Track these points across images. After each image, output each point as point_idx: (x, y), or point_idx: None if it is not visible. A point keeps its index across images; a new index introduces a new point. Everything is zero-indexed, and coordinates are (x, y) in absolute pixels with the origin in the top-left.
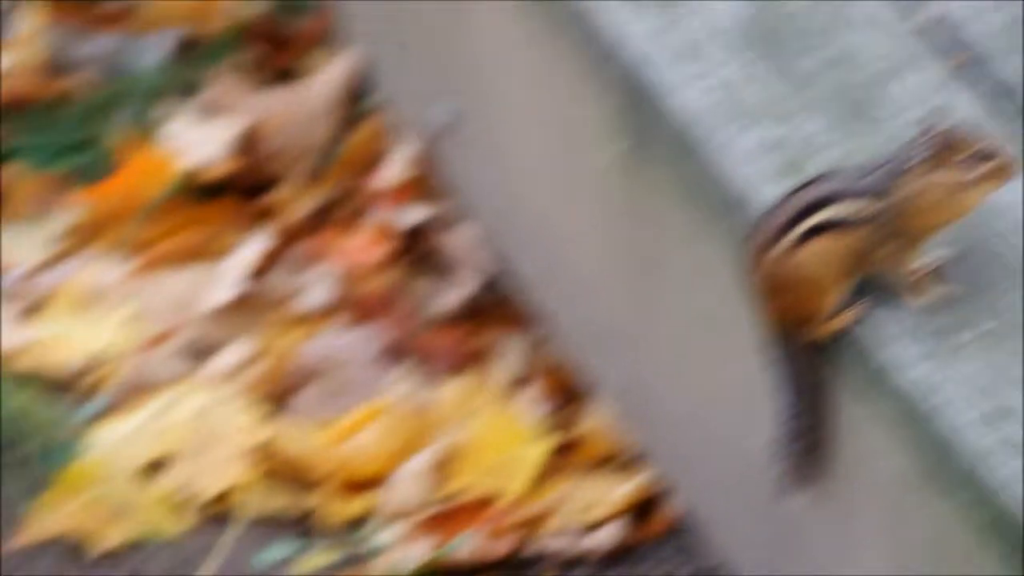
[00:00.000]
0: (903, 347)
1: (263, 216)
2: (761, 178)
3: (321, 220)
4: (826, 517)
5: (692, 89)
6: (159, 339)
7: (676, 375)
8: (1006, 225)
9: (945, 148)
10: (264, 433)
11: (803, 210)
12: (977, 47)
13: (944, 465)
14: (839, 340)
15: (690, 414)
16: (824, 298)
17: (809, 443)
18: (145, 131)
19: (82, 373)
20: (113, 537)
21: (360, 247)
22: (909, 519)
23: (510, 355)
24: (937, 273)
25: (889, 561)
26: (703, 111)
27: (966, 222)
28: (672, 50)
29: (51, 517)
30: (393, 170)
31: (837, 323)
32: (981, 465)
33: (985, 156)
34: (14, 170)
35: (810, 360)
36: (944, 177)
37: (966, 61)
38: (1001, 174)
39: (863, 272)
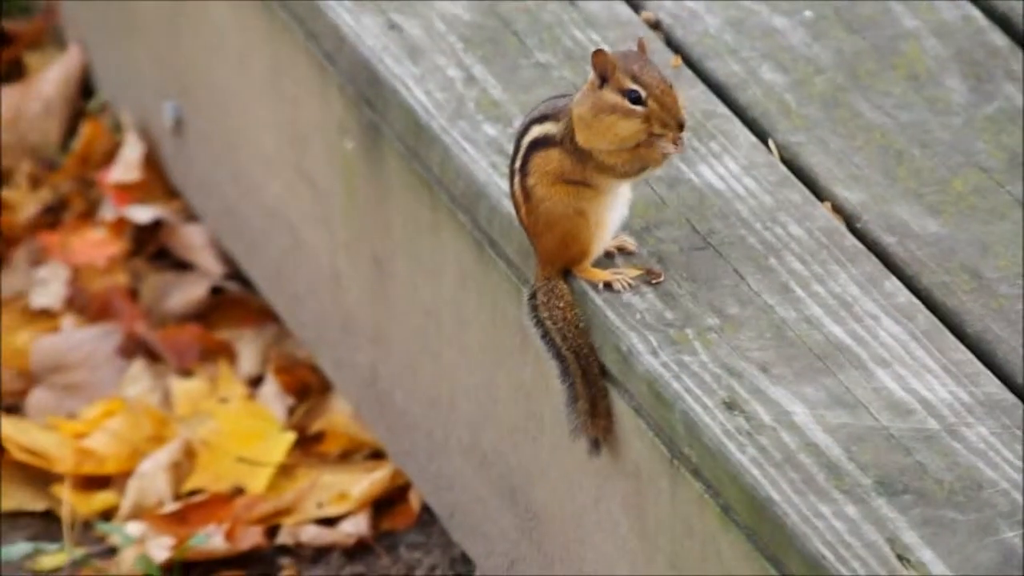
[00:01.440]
0: (641, 336)
1: None
2: (492, 175)
3: (53, 218)
4: (569, 504)
5: (420, 87)
6: None
7: (411, 371)
8: (747, 212)
9: (604, 71)
10: None
11: (522, 133)
12: (690, 50)
13: (682, 451)
14: (596, 313)
15: (425, 409)
16: (574, 222)
17: (588, 402)
18: None
19: None
20: None
21: (93, 245)
22: (653, 504)
23: (248, 351)
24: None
25: (634, 546)
26: (433, 108)
27: (704, 210)
28: (400, 49)
29: None
30: (123, 169)
31: (597, 274)
32: (717, 452)
33: (636, 98)
34: None
35: (573, 324)
36: (594, 96)
37: (681, 63)
38: (651, 122)
39: (589, 193)
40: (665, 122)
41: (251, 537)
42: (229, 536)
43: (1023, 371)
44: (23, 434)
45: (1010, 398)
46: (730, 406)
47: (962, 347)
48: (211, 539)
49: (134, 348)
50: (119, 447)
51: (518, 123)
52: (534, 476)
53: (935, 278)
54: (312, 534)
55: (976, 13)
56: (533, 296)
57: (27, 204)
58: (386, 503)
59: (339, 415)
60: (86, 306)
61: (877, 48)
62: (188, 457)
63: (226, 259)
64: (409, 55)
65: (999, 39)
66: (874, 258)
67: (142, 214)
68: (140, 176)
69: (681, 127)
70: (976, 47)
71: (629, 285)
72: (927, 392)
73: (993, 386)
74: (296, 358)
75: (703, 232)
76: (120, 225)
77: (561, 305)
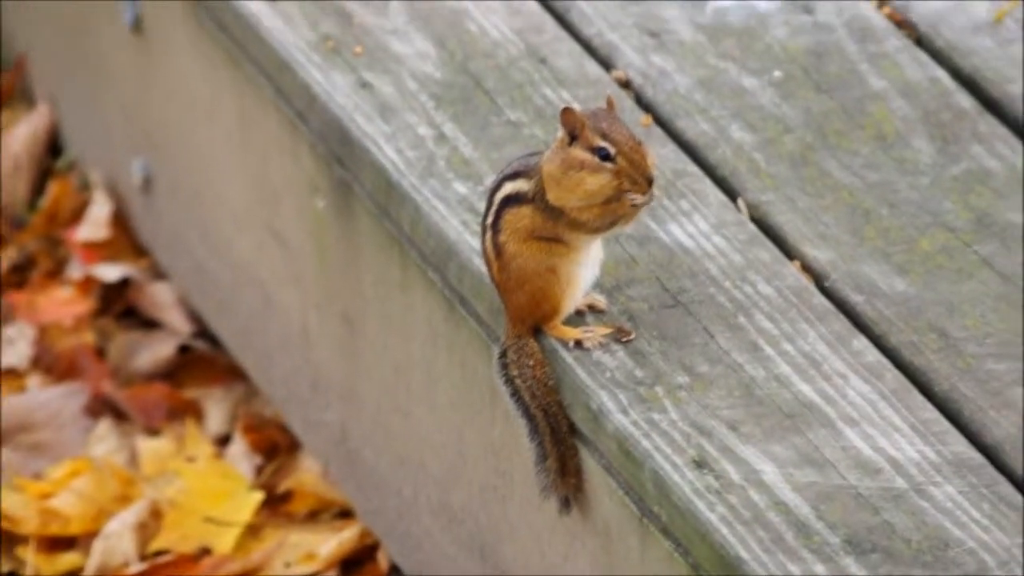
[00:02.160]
0: (611, 395)
1: None
2: (463, 233)
3: (20, 276)
4: (539, 562)
5: (391, 146)
6: None
7: (381, 429)
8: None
9: (573, 129)
10: None
11: (494, 189)
12: (660, 109)
13: (651, 510)
14: (566, 373)
15: (395, 468)
16: (546, 279)
17: (558, 460)
18: None
19: None
20: None
21: (60, 303)
22: (623, 563)
23: (216, 410)
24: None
25: None
26: (404, 167)
27: (674, 269)
28: (371, 107)
29: None
30: (91, 227)
31: (568, 332)
32: (687, 511)
33: (606, 155)
34: None
35: (543, 382)
36: (563, 153)
37: (651, 122)
38: (621, 178)
39: (561, 250)
40: (634, 179)
41: None
42: None
43: (991, 430)
44: None
45: (977, 457)
46: (700, 464)
47: (930, 406)
48: None
49: (101, 407)
50: (85, 507)
51: (491, 180)
52: (503, 534)
53: (903, 337)
54: None
55: (942, 74)
56: (503, 354)
57: None
58: (354, 563)
59: (307, 474)
60: (53, 365)
61: (845, 108)
62: (154, 517)
63: (194, 317)
64: (380, 113)
65: (965, 100)
66: (843, 317)
67: (110, 272)
68: (108, 234)
69: (650, 183)
70: (943, 108)
71: (599, 343)
72: (895, 451)
73: (961, 445)
74: (264, 417)
75: (673, 290)
76: (88, 283)
77: (531, 363)
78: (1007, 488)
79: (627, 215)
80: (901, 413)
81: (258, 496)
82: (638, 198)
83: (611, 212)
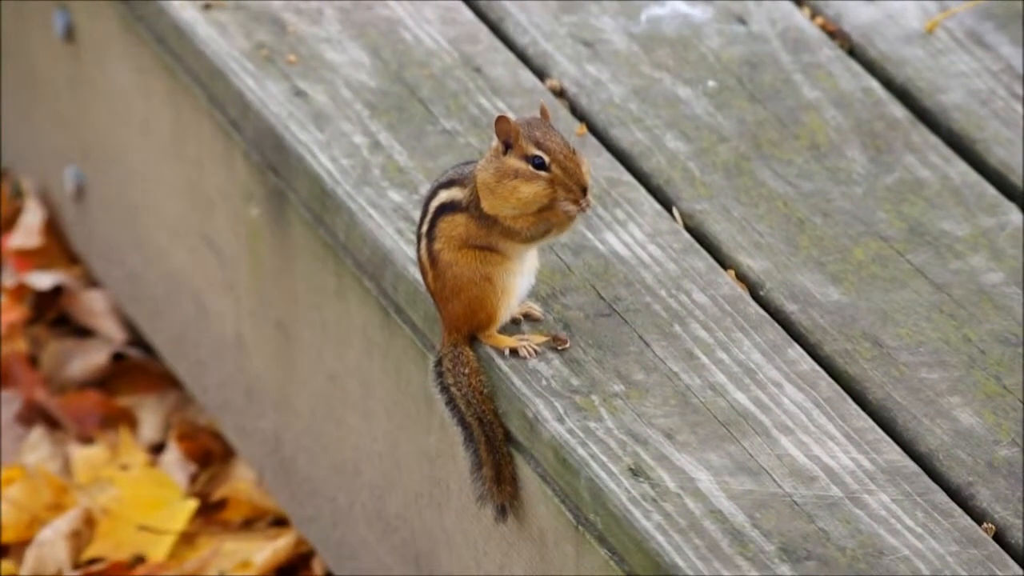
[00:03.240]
0: (547, 403)
1: None
2: (399, 241)
3: None
4: (474, 571)
5: (326, 154)
6: None
7: (315, 437)
8: (652, 278)
9: (507, 138)
10: None
11: (430, 197)
12: (595, 118)
13: (587, 518)
14: (502, 383)
15: (329, 476)
16: (481, 288)
17: (493, 469)
18: None
19: None
20: None
21: None
22: (559, 571)
23: (150, 418)
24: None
25: None
26: (338, 175)
27: (609, 277)
28: (305, 115)
29: None
30: (24, 234)
31: (503, 340)
32: (623, 519)
33: (540, 164)
34: None
35: (478, 390)
36: (497, 162)
37: (586, 131)
38: (555, 187)
39: (496, 259)
40: (568, 187)
41: None
42: None
43: (925, 438)
44: None
45: (911, 465)
46: (635, 473)
47: (864, 414)
48: None
49: (34, 415)
50: (18, 515)
51: (426, 188)
52: (439, 543)
53: (837, 346)
54: None
55: (875, 85)
56: (439, 362)
57: None
58: (289, 571)
59: (242, 482)
60: None
61: (779, 118)
62: (88, 525)
63: (128, 325)
64: (314, 121)
65: (898, 111)
66: (777, 326)
67: (42, 280)
68: (41, 242)
69: (584, 191)
70: (876, 118)
71: (535, 351)
72: (829, 459)
73: (894, 453)
74: (198, 425)
75: (608, 299)
76: (20, 291)
77: (467, 371)
78: (941, 496)
79: (561, 224)
80: (835, 421)
81: (192, 504)
82: (571, 207)
83: (544, 221)
